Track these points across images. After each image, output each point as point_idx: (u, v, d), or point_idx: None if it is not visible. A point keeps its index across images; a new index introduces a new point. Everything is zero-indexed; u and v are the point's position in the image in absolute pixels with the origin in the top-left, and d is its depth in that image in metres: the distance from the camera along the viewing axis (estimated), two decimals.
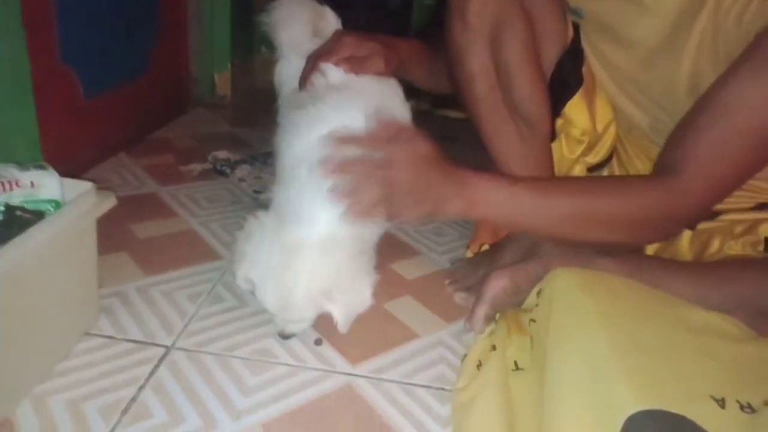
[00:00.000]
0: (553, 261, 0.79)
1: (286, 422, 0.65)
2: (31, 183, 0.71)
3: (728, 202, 0.84)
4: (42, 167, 0.73)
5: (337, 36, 0.89)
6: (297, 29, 0.92)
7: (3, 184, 0.69)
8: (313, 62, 0.86)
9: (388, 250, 0.79)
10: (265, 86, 1.03)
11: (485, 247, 1.00)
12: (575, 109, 0.93)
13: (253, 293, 0.76)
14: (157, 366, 0.71)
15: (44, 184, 0.72)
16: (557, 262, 0.78)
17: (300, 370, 0.73)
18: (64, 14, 1.12)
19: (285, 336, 0.77)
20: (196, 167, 1.34)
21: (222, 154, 1.40)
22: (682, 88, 0.80)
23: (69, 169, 0.78)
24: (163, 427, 0.62)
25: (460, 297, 0.91)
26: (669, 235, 0.84)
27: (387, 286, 0.79)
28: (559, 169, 0.96)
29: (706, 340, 0.65)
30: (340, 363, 0.75)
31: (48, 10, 1.08)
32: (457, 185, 0.72)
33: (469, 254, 1.02)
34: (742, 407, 0.54)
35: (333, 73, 0.84)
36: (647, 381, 0.57)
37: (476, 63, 0.86)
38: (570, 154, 0.97)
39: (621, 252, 0.84)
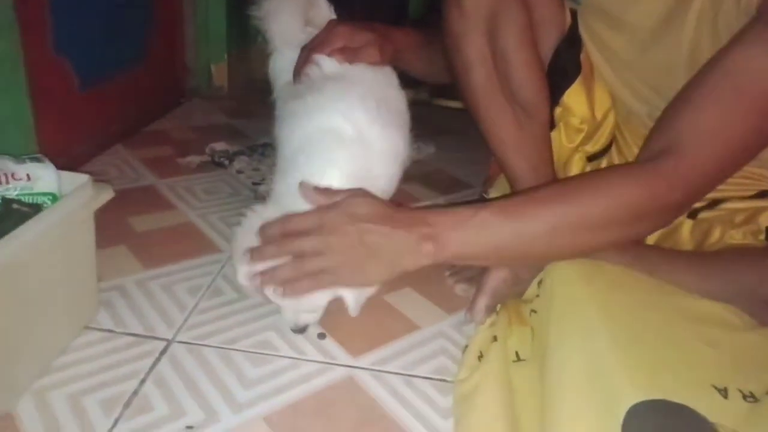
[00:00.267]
0: None
1: (288, 415, 0.65)
2: (28, 176, 0.70)
3: (729, 190, 0.83)
4: (38, 160, 0.73)
5: (330, 26, 0.88)
6: (288, 21, 0.91)
7: None
8: (306, 54, 0.85)
9: None
10: (263, 77, 1.02)
11: None
12: (574, 97, 0.93)
13: (257, 289, 0.74)
14: (157, 359, 0.71)
15: (41, 177, 0.71)
16: None
17: (301, 362, 0.73)
18: (58, 5, 1.11)
19: (299, 329, 0.76)
20: (193, 159, 1.33)
21: (220, 146, 1.39)
22: (681, 71, 0.79)
23: (65, 162, 0.78)
24: (165, 421, 0.62)
25: (460, 288, 0.91)
26: (664, 223, 0.78)
27: None
28: (558, 158, 0.96)
29: (706, 330, 0.65)
30: (342, 355, 0.75)
31: (41, 1, 1.07)
32: (415, 231, 0.66)
33: None
34: (744, 396, 0.54)
35: (327, 64, 0.83)
36: (648, 371, 0.57)
37: (473, 51, 0.85)
38: (569, 143, 0.96)
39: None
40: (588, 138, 0.96)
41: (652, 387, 0.54)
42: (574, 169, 0.94)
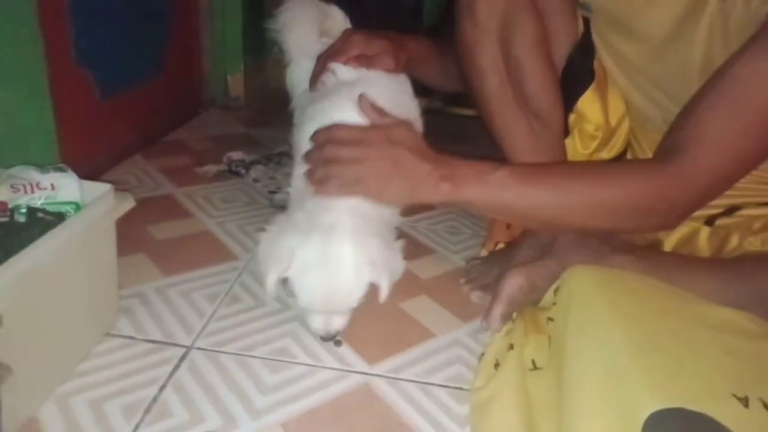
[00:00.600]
0: (569, 258, 0.79)
1: (305, 421, 0.65)
2: (51, 185, 0.72)
3: (746, 197, 0.83)
4: (61, 169, 0.74)
5: (346, 35, 0.89)
6: (304, 32, 0.92)
7: (24, 186, 0.71)
8: (322, 62, 0.86)
9: (403, 250, 0.79)
10: (278, 86, 1.04)
11: (500, 245, 1.00)
12: (588, 103, 0.93)
13: (284, 296, 0.74)
14: (177, 366, 0.72)
15: (64, 186, 0.73)
16: (574, 259, 0.78)
17: (318, 369, 0.74)
18: (80, 19, 1.13)
19: (330, 336, 0.76)
20: (211, 168, 1.35)
21: (236, 155, 1.41)
22: (694, 76, 0.79)
23: (86, 172, 0.79)
24: (185, 427, 0.63)
25: (476, 296, 0.91)
26: (669, 222, 0.79)
27: (402, 285, 0.79)
28: None
29: (725, 338, 0.64)
30: (358, 362, 0.75)
31: (63, 13, 1.09)
32: (440, 168, 0.73)
33: (484, 253, 1.02)
34: (766, 406, 0.53)
35: (343, 72, 0.84)
36: (667, 379, 0.56)
37: (486, 59, 0.86)
38: (584, 150, 0.96)
39: (638, 248, 0.83)
40: (603, 144, 0.96)
41: (671, 395, 0.54)
42: None
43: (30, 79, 1.01)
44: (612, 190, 0.73)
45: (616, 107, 0.95)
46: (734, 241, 0.83)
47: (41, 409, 0.63)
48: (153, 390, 0.67)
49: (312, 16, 0.94)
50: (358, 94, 0.77)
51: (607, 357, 0.61)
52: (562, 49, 0.90)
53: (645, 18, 0.83)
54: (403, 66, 0.91)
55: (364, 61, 0.85)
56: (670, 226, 0.83)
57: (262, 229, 0.76)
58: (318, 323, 0.75)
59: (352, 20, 0.98)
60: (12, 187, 0.70)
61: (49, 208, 0.71)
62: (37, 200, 0.71)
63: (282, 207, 0.86)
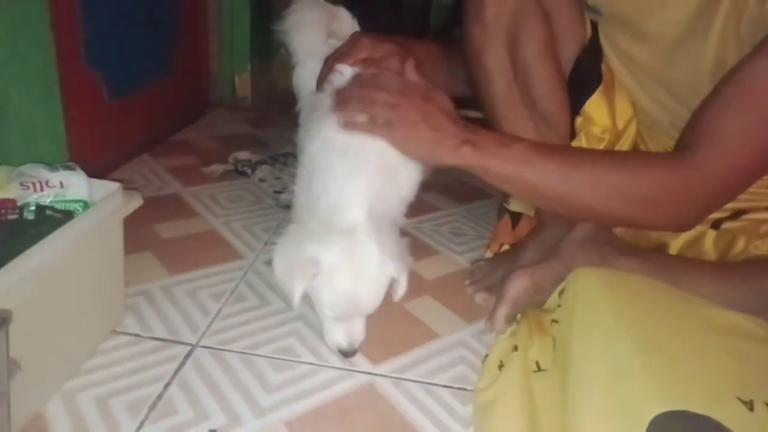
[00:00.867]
0: (575, 261, 0.79)
1: (309, 420, 0.66)
2: (60, 183, 0.73)
3: (752, 200, 0.82)
4: (70, 168, 0.75)
5: (354, 38, 0.89)
6: (312, 34, 0.93)
7: (34, 184, 0.71)
8: (330, 64, 0.86)
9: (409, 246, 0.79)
10: (285, 87, 1.04)
11: (505, 247, 1.00)
12: (595, 106, 0.93)
13: (308, 304, 0.73)
14: (182, 364, 0.72)
15: (73, 185, 0.73)
16: (579, 261, 0.78)
17: (322, 368, 0.74)
18: (90, 20, 1.14)
19: (354, 351, 0.74)
20: (217, 168, 1.36)
21: (243, 155, 1.41)
22: (704, 78, 0.79)
23: (94, 171, 0.80)
24: (189, 424, 0.63)
25: (480, 297, 0.91)
26: (680, 221, 0.78)
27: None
28: None
29: (730, 341, 0.64)
30: (362, 362, 0.76)
31: (74, 13, 1.10)
32: (465, 132, 0.74)
33: (489, 254, 1.02)
34: None
35: (350, 73, 0.84)
36: (671, 382, 0.56)
37: (494, 61, 0.86)
38: None
39: (644, 251, 0.83)
40: (609, 147, 0.96)
41: (675, 397, 0.53)
42: None
43: (41, 79, 1.02)
44: (629, 177, 0.73)
45: (624, 110, 0.95)
46: (740, 244, 0.82)
47: (47, 406, 0.64)
48: (158, 387, 0.68)
49: (319, 18, 0.94)
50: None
51: (611, 359, 0.61)
52: (569, 52, 0.90)
53: (657, 18, 0.82)
54: None
55: (371, 63, 0.86)
56: (684, 226, 0.82)
57: (273, 243, 0.76)
58: (339, 336, 0.74)
59: (359, 22, 0.98)
60: (22, 184, 0.71)
61: (57, 205, 0.71)
62: (46, 198, 0.71)
63: (287, 207, 0.86)
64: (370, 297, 0.72)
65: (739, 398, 0.54)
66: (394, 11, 2.31)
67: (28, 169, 0.73)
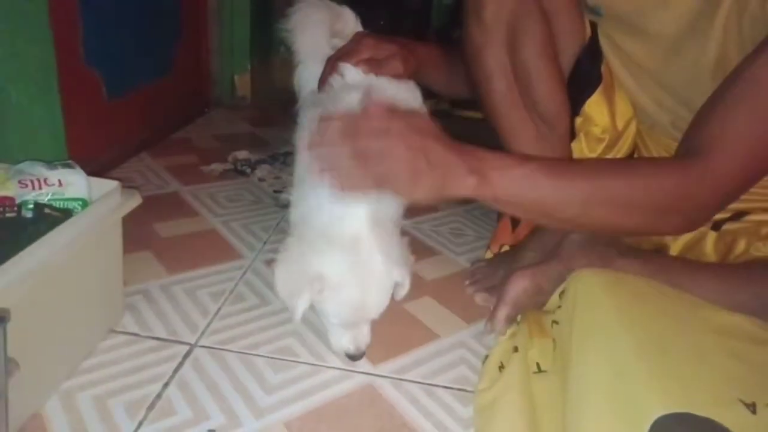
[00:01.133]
0: (575, 262, 0.78)
1: (308, 421, 0.65)
2: (59, 181, 0.72)
3: (753, 201, 0.82)
4: (69, 166, 0.75)
5: (357, 37, 0.89)
6: (315, 34, 0.92)
7: (32, 182, 0.71)
8: (332, 63, 0.86)
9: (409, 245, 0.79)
10: (284, 87, 1.04)
11: (505, 247, 1.00)
12: (595, 107, 0.92)
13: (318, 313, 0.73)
14: (181, 363, 0.72)
15: (71, 183, 0.73)
16: (580, 262, 0.78)
17: (321, 369, 0.74)
18: (89, 19, 1.14)
19: (361, 354, 0.73)
20: (217, 167, 1.36)
21: (242, 155, 1.41)
22: (705, 78, 0.79)
23: (93, 169, 0.79)
24: (188, 424, 0.63)
25: (480, 298, 0.91)
26: (690, 224, 0.77)
27: None
28: None
29: (732, 343, 0.64)
30: (362, 363, 0.75)
31: (73, 12, 1.10)
32: (466, 160, 0.67)
33: (489, 255, 1.02)
34: None
35: (352, 74, 0.84)
36: (673, 384, 0.56)
37: (493, 61, 0.85)
38: (590, 153, 0.96)
39: (645, 252, 0.83)
40: (609, 147, 0.96)
41: (677, 400, 0.53)
42: None
43: (40, 77, 1.02)
44: (643, 190, 0.70)
45: (624, 110, 0.95)
46: (741, 246, 0.82)
47: (46, 405, 0.63)
48: (157, 387, 0.67)
49: (324, 18, 0.94)
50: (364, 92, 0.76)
51: (613, 361, 0.60)
52: (569, 52, 0.90)
53: (658, 17, 0.82)
54: (411, 70, 0.91)
55: (374, 63, 0.86)
56: (692, 227, 0.81)
57: (272, 259, 0.74)
58: (346, 342, 0.73)
59: (362, 24, 0.98)
60: (20, 182, 0.71)
61: (56, 204, 0.71)
62: (45, 196, 0.71)
63: (286, 206, 0.85)
64: (377, 304, 0.72)
65: (741, 400, 0.54)
66: (395, 11, 2.31)
67: (26, 167, 0.73)
